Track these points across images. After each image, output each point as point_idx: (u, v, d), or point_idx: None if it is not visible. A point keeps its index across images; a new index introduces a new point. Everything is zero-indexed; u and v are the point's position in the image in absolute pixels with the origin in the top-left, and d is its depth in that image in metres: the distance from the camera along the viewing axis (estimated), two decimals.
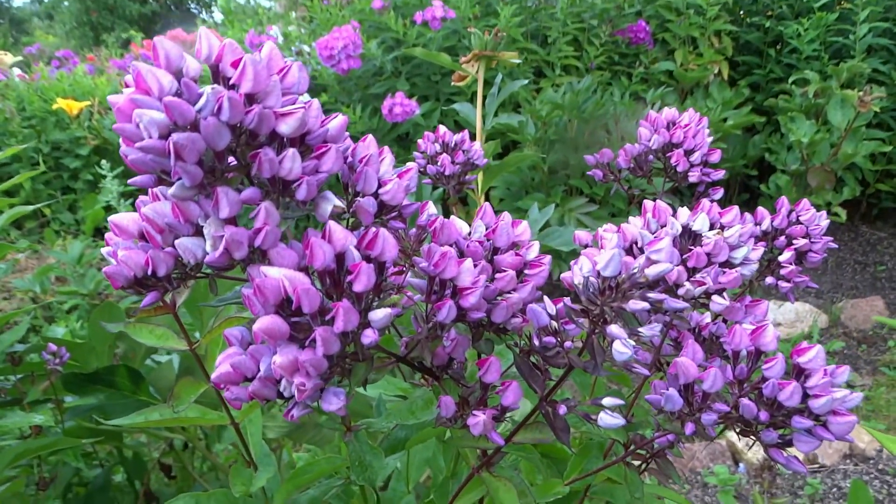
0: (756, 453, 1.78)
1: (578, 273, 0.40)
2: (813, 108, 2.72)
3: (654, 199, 0.84)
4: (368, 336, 0.33)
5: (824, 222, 0.67)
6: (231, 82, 0.32)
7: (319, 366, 0.33)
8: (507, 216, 0.44)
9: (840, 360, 2.36)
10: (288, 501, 0.62)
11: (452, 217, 0.43)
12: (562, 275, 0.49)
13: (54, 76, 4.25)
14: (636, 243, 0.54)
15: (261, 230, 0.33)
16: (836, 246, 0.66)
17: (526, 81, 1.19)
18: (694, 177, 0.76)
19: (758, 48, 3.13)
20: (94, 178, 3.63)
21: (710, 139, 0.78)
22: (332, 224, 0.34)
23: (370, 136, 0.41)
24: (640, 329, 0.37)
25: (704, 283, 0.49)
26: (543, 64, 3.02)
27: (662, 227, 0.54)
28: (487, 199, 1.56)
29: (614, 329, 0.36)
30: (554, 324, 0.40)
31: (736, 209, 0.54)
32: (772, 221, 0.68)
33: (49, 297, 2.08)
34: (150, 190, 0.37)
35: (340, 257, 0.35)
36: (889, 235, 3.01)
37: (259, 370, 0.35)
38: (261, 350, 0.35)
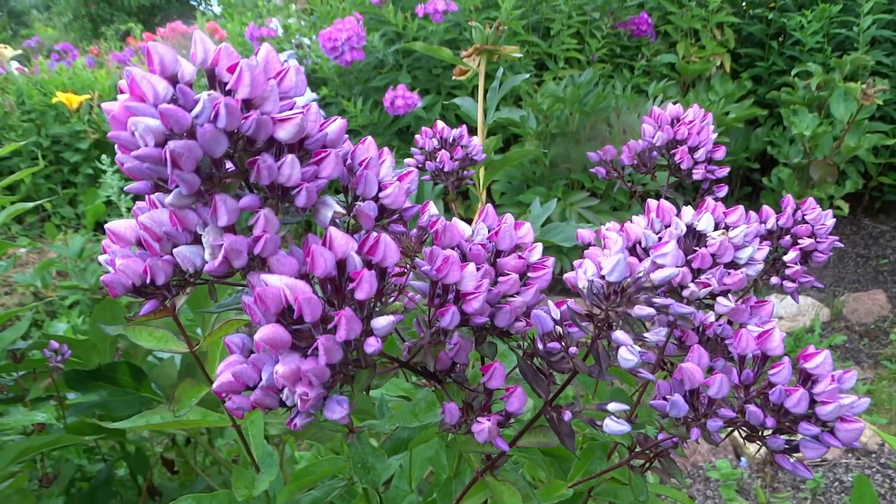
0: (758, 448, 1.77)
1: (583, 277, 0.39)
2: (816, 100, 2.70)
3: (658, 196, 0.83)
4: (372, 345, 0.33)
5: (830, 221, 0.66)
6: (227, 87, 0.31)
7: (322, 375, 0.32)
8: (509, 218, 0.44)
9: (842, 353, 2.36)
10: (291, 502, 0.62)
11: (454, 219, 0.42)
12: (565, 275, 0.49)
13: (54, 69, 4.24)
14: (640, 243, 0.53)
15: (260, 238, 0.32)
16: (842, 245, 0.66)
17: (527, 75, 1.17)
18: (698, 174, 0.76)
19: (760, 40, 3.11)
20: (95, 172, 3.62)
21: (714, 135, 0.77)
22: (332, 230, 0.34)
23: (370, 139, 0.40)
24: (645, 335, 0.37)
25: (709, 285, 0.48)
26: (545, 56, 3.00)
27: (666, 227, 0.54)
28: (489, 193, 1.56)
29: (620, 335, 0.35)
30: (558, 329, 0.40)
31: (741, 209, 0.53)
32: (777, 220, 0.67)
33: (50, 292, 2.08)
34: (147, 196, 0.36)
35: (342, 264, 0.34)
36: (892, 229, 3.00)
37: (261, 379, 0.34)
38: (262, 359, 0.35)
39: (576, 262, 0.51)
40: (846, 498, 1.67)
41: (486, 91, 1.12)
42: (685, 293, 0.49)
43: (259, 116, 0.31)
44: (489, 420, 0.37)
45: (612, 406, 0.39)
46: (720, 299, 0.49)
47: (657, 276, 0.36)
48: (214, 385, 0.35)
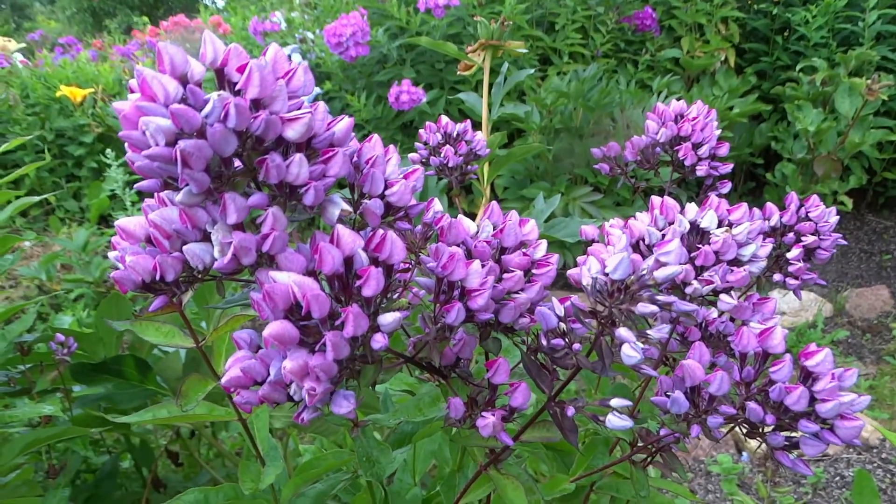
0: (759, 443, 1.78)
1: (587, 274, 0.39)
2: (820, 96, 2.69)
3: (662, 192, 0.83)
4: (378, 341, 0.33)
5: (833, 219, 0.66)
6: (237, 88, 0.31)
7: (330, 370, 0.33)
8: (514, 215, 0.44)
9: (844, 349, 2.36)
10: (296, 495, 0.63)
11: (460, 216, 0.43)
12: (569, 272, 0.49)
13: (58, 63, 4.24)
14: (643, 240, 0.54)
15: (268, 236, 0.33)
16: (846, 242, 0.66)
17: (532, 71, 1.17)
18: (702, 171, 0.76)
19: (765, 35, 3.10)
20: (99, 166, 3.63)
21: (718, 132, 0.77)
22: (340, 228, 0.34)
23: (376, 136, 0.41)
24: (648, 332, 0.37)
25: (712, 282, 0.49)
26: (549, 51, 2.99)
27: (670, 224, 0.54)
28: (492, 188, 1.56)
29: (623, 332, 0.35)
30: (562, 325, 0.40)
31: (744, 206, 0.54)
32: (780, 217, 0.67)
33: (55, 285, 2.09)
34: (156, 194, 0.37)
35: (349, 261, 0.35)
36: (895, 224, 2.99)
37: (269, 374, 0.35)
38: (270, 354, 0.35)
39: (580, 259, 0.51)
40: (847, 493, 1.67)
41: (490, 86, 1.12)
42: (688, 290, 0.49)
43: (268, 116, 0.31)
44: (493, 415, 0.38)
45: (614, 402, 0.40)
46: (723, 296, 0.49)
47: (660, 273, 0.37)
48: (223, 380, 0.35)
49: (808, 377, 0.41)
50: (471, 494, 0.48)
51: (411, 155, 0.79)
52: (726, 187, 0.77)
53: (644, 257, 0.52)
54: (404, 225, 0.40)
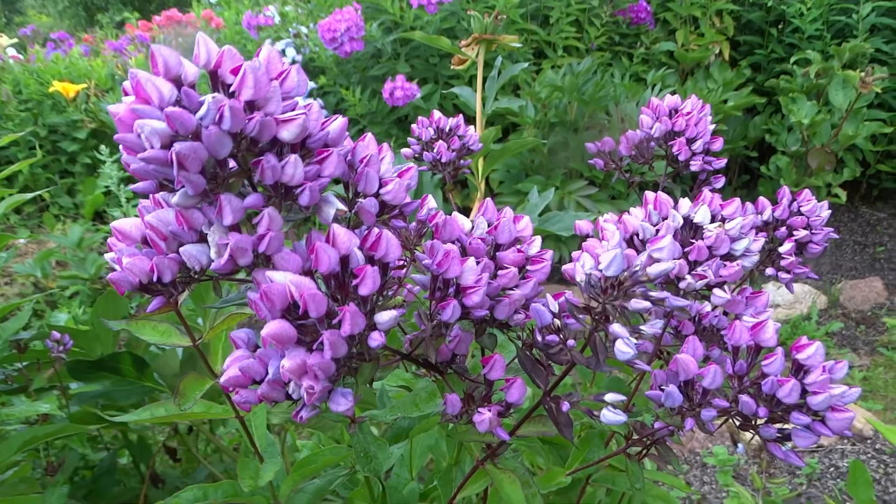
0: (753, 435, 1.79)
1: (580, 270, 0.40)
2: (814, 88, 2.70)
3: (656, 186, 0.84)
4: (376, 339, 0.33)
5: (825, 213, 0.67)
6: (231, 89, 0.32)
7: (328, 369, 0.33)
8: (508, 212, 0.44)
9: (839, 340, 2.38)
10: (294, 491, 0.63)
11: (454, 213, 0.43)
12: (563, 267, 0.49)
13: (50, 58, 4.22)
14: (637, 235, 0.54)
15: (265, 236, 0.33)
16: (838, 236, 0.66)
17: (526, 64, 1.17)
18: (696, 165, 0.76)
19: (759, 28, 3.10)
20: (93, 162, 3.61)
21: (712, 127, 0.77)
22: (335, 227, 0.34)
23: (370, 135, 0.41)
24: (642, 327, 0.38)
25: (706, 277, 0.49)
26: (544, 45, 2.99)
27: (664, 219, 0.54)
28: (486, 182, 1.56)
29: (617, 328, 0.36)
30: (556, 321, 0.40)
31: (737, 201, 0.54)
32: (773, 211, 0.68)
33: (50, 282, 2.09)
34: (151, 195, 0.37)
35: (345, 260, 0.35)
36: (889, 216, 3.01)
37: (267, 373, 0.35)
38: (268, 353, 0.36)
39: (574, 254, 0.52)
40: (842, 483, 1.69)
41: (484, 79, 1.12)
42: (682, 285, 0.50)
43: (263, 118, 0.31)
44: (490, 410, 0.38)
45: (609, 396, 0.40)
46: (716, 291, 0.50)
47: (653, 269, 0.37)
48: (222, 379, 0.36)
49: (799, 370, 0.42)
50: (468, 489, 0.49)
51: (404, 150, 0.79)
52: (720, 182, 0.78)
53: (638, 252, 0.52)
54: (399, 223, 0.41)
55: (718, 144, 0.78)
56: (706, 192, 0.55)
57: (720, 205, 0.54)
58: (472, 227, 0.43)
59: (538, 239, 0.44)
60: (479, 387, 0.43)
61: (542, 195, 1.14)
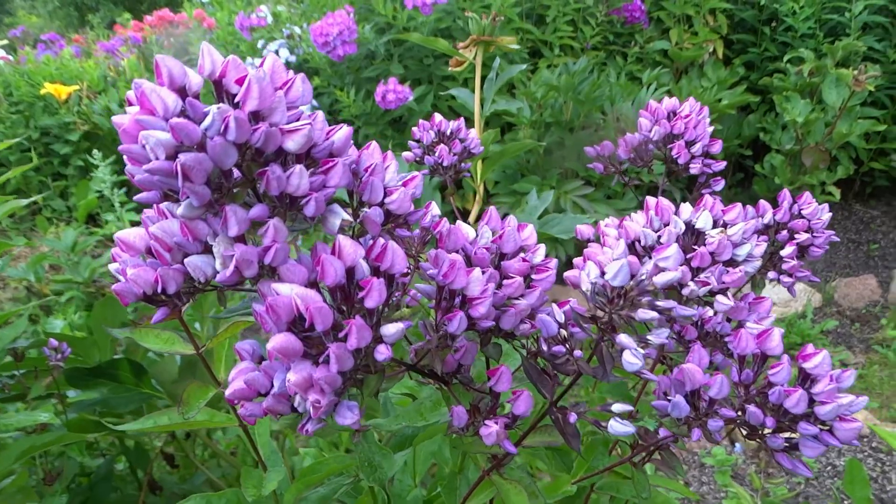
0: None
1: (585, 279, 0.40)
2: (808, 86, 2.71)
3: (654, 188, 0.84)
4: (382, 353, 0.33)
5: (826, 216, 0.67)
6: (236, 100, 0.31)
7: (334, 382, 0.33)
8: (512, 220, 0.44)
9: (834, 338, 2.39)
10: (298, 500, 0.63)
11: (458, 223, 0.43)
12: (565, 274, 0.49)
13: (41, 60, 4.19)
14: (639, 241, 0.54)
15: (270, 248, 0.33)
16: (839, 239, 0.66)
17: (524, 66, 1.17)
18: (695, 168, 0.76)
19: (753, 26, 3.11)
20: (86, 164, 3.59)
21: (710, 129, 0.77)
22: (341, 239, 0.34)
23: (374, 144, 0.40)
24: (648, 336, 0.37)
25: (709, 283, 0.49)
26: (540, 44, 2.99)
27: (665, 225, 0.54)
28: (483, 184, 1.55)
29: (624, 339, 0.36)
30: (563, 332, 0.40)
31: (739, 206, 0.54)
32: (774, 215, 0.68)
33: (44, 287, 2.07)
34: (155, 206, 0.36)
35: (350, 271, 0.35)
36: (882, 213, 3.02)
37: (272, 386, 0.35)
38: (273, 366, 0.35)
39: (576, 261, 0.52)
40: (839, 482, 1.69)
41: (482, 80, 1.11)
42: (685, 291, 0.49)
43: (268, 129, 0.31)
44: (497, 423, 0.38)
45: (616, 407, 0.40)
46: (719, 297, 0.49)
47: (660, 279, 0.37)
48: (227, 392, 0.35)
49: (806, 379, 0.42)
50: (474, 499, 0.48)
51: (405, 154, 0.79)
52: (720, 184, 0.78)
53: (640, 258, 0.52)
54: (404, 232, 0.40)
55: (717, 147, 0.78)
56: (707, 198, 0.54)
57: (722, 210, 0.53)
58: (477, 236, 0.42)
59: (542, 247, 0.44)
60: (485, 398, 0.42)
61: (540, 197, 1.14)
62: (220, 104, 0.30)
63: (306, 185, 0.33)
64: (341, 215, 0.35)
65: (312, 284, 0.35)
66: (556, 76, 2.57)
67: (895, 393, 2.07)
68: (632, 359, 0.35)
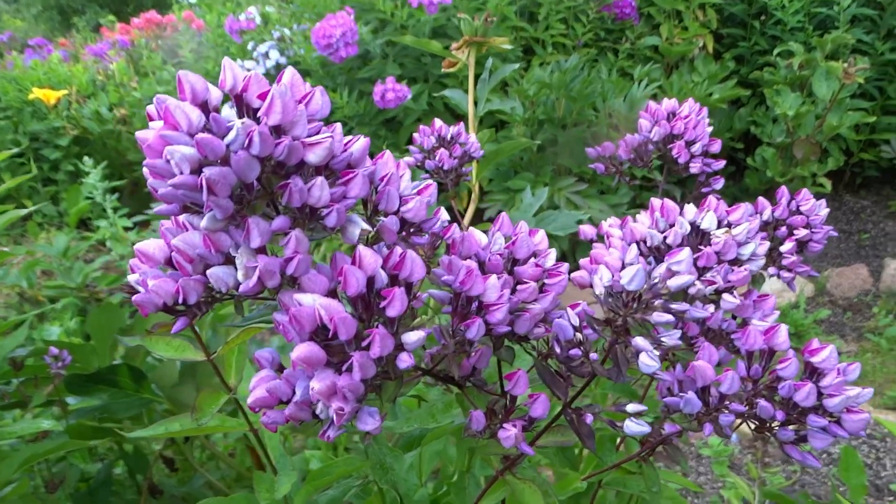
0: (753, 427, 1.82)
1: (599, 283, 0.40)
2: (798, 80, 2.73)
3: (649, 182, 0.84)
4: (405, 361, 0.34)
5: (823, 211, 0.68)
6: (258, 114, 0.32)
7: (357, 390, 0.33)
8: (524, 226, 0.45)
9: (827, 328, 2.41)
10: (308, 502, 0.63)
11: (471, 229, 0.43)
12: (572, 275, 0.50)
13: (29, 64, 4.16)
14: (645, 241, 0.55)
15: (292, 259, 0.33)
16: (837, 234, 0.68)
17: (517, 65, 1.18)
18: (695, 168, 0.77)
19: (742, 20, 3.13)
20: (76, 169, 3.57)
21: (709, 129, 0.78)
22: (362, 249, 0.34)
23: (388, 153, 0.41)
24: (662, 338, 0.38)
25: (715, 283, 0.50)
26: (532, 41, 3.00)
27: (671, 225, 0.55)
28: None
29: (640, 342, 0.36)
30: (578, 335, 0.41)
31: (743, 206, 0.55)
32: (773, 212, 0.69)
33: (38, 294, 2.06)
34: (173, 218, 0.37)
35: (370, 281, 0.35)
36: (872, 203, 3.05)
37: (294, 394, 0.35)
38: (295, 374, 0.36)
39: (582, 262, 0.52)
40: (834, 469, 1.72)
41: (476, 79, 1.12)
42: (691, 291, 0.50)
43: (291, 143, 0.31)
44: (515, 426, 0.39)
45: (630, 407, 0.41)
46: (725, 296, 0.50)
47: (673, 283, 0.37)
48: (250, 400, 0.36)
49: (814, 373, 0.43)
50: (487, 499, 0.49)
51: (406, 159, 0.79)
52: (719, 183, 0.79)
53: (645, 258, 0.53)
54: (419, 240, 0.41)
55: (717, 146, 0.79)
56: (711, 198, 0.55)
57: (726, 210, 0.54)
58: (490, 242, 0.43)
59: (553, 252, 0.45)
60: (500, 400, 0.43)
61: (535, 195, 1.15)
62: (245, 119, 0.31)
63: (327, 197, 0.33)
64: (361, 225, 0.36)
65: (332, 294, 0.36)
66: (548, 74, 2.58)
67: (887, 380, 2.10)
68: (649, 361, 0.36)
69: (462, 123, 0.84)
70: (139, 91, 3.59)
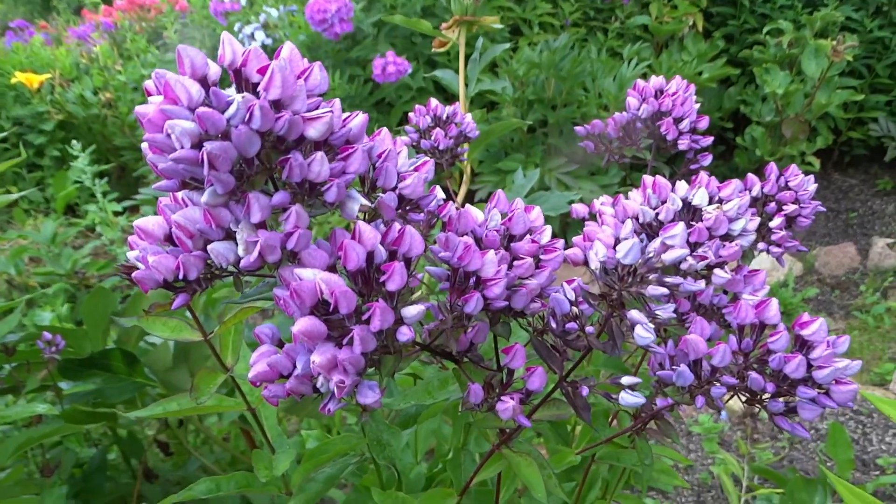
0: (738, 401, 1.84)
1: (594, 258, 0.41)
2: (787, 58, 2.73)
3: (638, 162, 0.85)
4: (405, 334, 0.34)
5: (812, 187, 0.69)
6: (258, 89, 0.32)
7: (358, 363, 0.34)
8: (519, 203, 0.45)
9: (815, 305, 2.45)
10: (305, 480, 0.64)
11: (468, 206, 0.44)
12: (566, 252, 0.50)
13: (10, 48, 4.09)
14: (637, 218, 0.55)
15: (293, 233, 0.34)
16: (825, 209, 0.69)
17: (507, 45, 1.18)
18: (684, 144, 0.78)
19: None
20: (62, 155, 3.53)
21: (697, 106, 0.79)
22: (361, 225, 0.35)
23: (385, 130, 0.41)
24: (657, 312, 0.39)
25: (707, 258, 0.51)
26: (520, 21, 2.98)
27: (663, 202, 0.56)
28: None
29: (636, 315, 0.37)
30: (574, 309, 0.41)
31: (734, 183, 0.55)
32: (762, 188, 0.69)
33: (31, 280, 2.05)
34: (171, 194, 0.37)
35: (370, 256, 0.35)
36: (860, 182, 3.08)
37: (294, 368, 0.36)
38: (295, 349, 0.36)
39: (576, 240, 0.53)
40: (822, 445, 1.75)
41: (466, 59, 1.12)
42: (683, 266, 0.51)
43: (291, 117, 0.31)
44: (513, 399, 0.39)
45: (625, 380, 0.41)
46: (717, 271, 0.51)
47: (668, 256, 0.38)
48: (250, 375, 0.36)
49: (804, 345, 0.43)
50: (484, 472, 0.50)
51: (402, 138, 0.79)
52: (707, 159, 0.79)
53: (637, 235, 0.53)
54: (417, 217, 0.41)
55: (704, 123, 0.79)
56: (703, 175, 0.56)
57: (717, 187, 0.55)
58: (487, 218, 0.43)
59: (549, 228, 0.45)
60: (496, 374, 0.44)
61: (526, 176, 1.15)
62: (245, 93, 0.31)
63: (327, 172, 0.33)
64: (360, 200, 0.36)
65: (331, 269, 0.36)
66: (537, 53, 2.57)
67: (874, 357, 2.13)
68: (644, 333, 0.37)
69: (458, 104, 0.84)
70: (124, 74, 3.54)
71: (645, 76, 2.69)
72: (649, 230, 0.54)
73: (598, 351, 0.84)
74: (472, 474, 0.50)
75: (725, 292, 0.57)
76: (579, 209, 0.66)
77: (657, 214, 0.54)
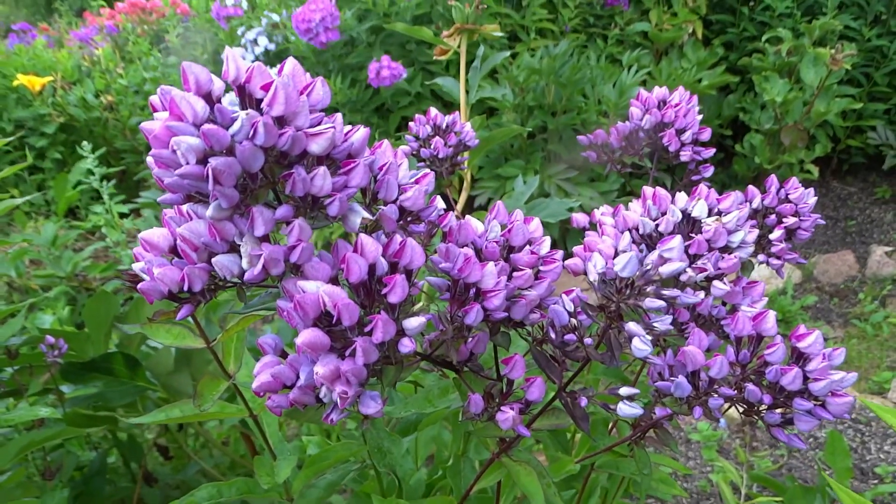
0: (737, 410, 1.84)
1: (592, 270, 0.41)
2: (786, 66, 2.74)
3: (639, 169, 0.86)
4: (406, 345, 0.35)
5: (812, 200, 0.69)
6: (262, 105, 0.32)
7: (360, 374, 0.34)
8: (519, 214, 0.45)
9: (814, 314, 2.45)
10: (306, 487, 0.64)
11: (468, 217, 0.44)
12: (566, 262, 0.51)
13: (12, 50, 4.10)
14: (637, 229, 0.56)
15: (296, 247, 0.34)
16: (824, 222, 0.69)
17: (508, 53, 1.19)
18: (685, 156, 0.78)
19: (731, 6, 3.13)
20: (63, 157, 3.53)
21: (699, 117, 0.79)
22: (363, 237, 0.35)
23: (386, 142, 0.42)
24: (654, 324, 0.39)
25: (706, 270, 0.51)
26: (518, 28, 2.99)
27: (663, 213, 0.56)
28: None
29: (633, 327, 0.38)
30: (573, 321, 0.42)
31: (734, 195, 0.56)
32: (762, 200, 0.70)
33: (32, 283, 2.05)
34: (176, 207, 0.37)
35: (372, 268, 0.36)
36: (859, 190, 3.09)
37: (298, 378, 0.36)
38: (298, 360, 0.37)
39: (576, 250, 0.53)
40: (821, 453, 1.75)
41: (467, 65, 1.12)
42: (682, 277, 0.51)
43: (294, 133, 0.32)
44: (512, 409, 0.40)
45: (624, 391, 0.42)
46: (716, 283, 0.52)
47: (665, 269, 0.39)
48: (254, 385, 0.37)
49: (800, 357, 0.44)
50: (484, 480, 0.50)
51: (402, 147, 0.80)
52: (709, 171, 0.80)
53: (637, 245, 0.54)
54: (418, 228, 0.42)
55: (707, 134, 0.80)
56: (702, 187, 0.56)
57: (717, 199, 0.55)
58: (486, 230, 0.44)
59: (548, 239, 0.46)
60: (496, 384, 0.44)
61: (526, 182, 1.16)
62: (249, 110, 0.32)
63: (329, 186, 0.34)
64: (361, 213, 0.36)
65: (333, 281, 0.37)
66: (537, 60, 2.58)
67: (872, 365, 2.14)
68: (641, 345, 0.37)
69: (457, 112, 0.84)
70: (125, 78, 3.55)
71: (645, 83, 2.70)
72: (649, 241, 0.55)
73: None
74: (473, 482, 0.51)
75: (724, 303, 0.57)
76: (580, 219, 0.67)
77: (657, 226, 0.54)
